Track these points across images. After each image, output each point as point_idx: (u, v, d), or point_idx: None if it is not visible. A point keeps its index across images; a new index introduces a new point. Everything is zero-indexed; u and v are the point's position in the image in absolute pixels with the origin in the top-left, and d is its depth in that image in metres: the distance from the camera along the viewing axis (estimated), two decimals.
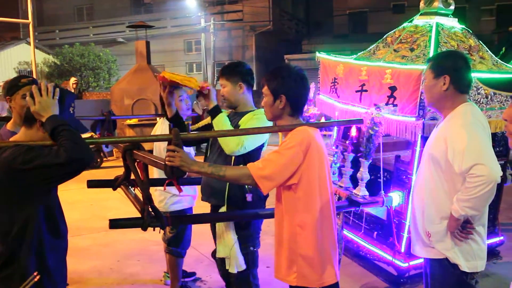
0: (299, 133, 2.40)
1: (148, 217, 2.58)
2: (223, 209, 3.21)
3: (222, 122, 3.08)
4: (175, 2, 26.48)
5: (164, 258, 4.44)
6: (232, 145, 2.99)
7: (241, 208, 3.16)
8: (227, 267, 3.25)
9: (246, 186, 3.10)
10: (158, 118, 4.37)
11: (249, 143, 3.02)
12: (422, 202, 2.80)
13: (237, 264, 3.19)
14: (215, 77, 26.95)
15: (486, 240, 2.76)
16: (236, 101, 3.31)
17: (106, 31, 29.16)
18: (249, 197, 3.13)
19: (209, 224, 3.55)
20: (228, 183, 3.10)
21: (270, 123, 2.89)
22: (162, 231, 4.13)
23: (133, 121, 12.73)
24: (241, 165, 2.91)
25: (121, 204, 7.41)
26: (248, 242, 3.28)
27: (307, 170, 2.38)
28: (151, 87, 13.77)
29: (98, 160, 11.29)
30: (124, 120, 12.79)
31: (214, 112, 3.12)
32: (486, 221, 2.79)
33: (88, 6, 31.78)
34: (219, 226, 3.23)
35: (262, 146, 3.25)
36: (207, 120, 3.49)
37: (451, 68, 2.64)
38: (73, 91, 11.95)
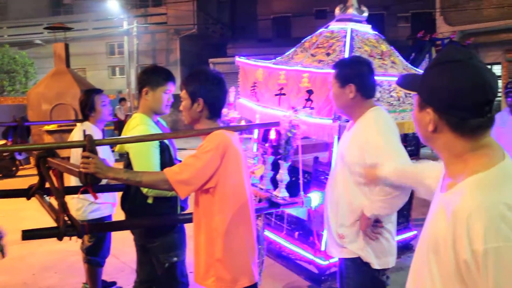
0: (216, 137, 2.41)
1: (64, 226, 2.49)
2: None
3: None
4: (97, 4, 25.69)
5: (82, 268, 4.30)
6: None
7: (144, 214, 3.05)
8: None
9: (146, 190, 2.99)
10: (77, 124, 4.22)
11: None
12: (335, 205, 2.87)
13: None
14: None
15: (395, 237, 2.87)
16: (147, 107, 3.15)
17: (22, 32, 27.78)
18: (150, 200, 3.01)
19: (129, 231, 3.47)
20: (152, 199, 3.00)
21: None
22: (80, 241, 4.00)
23: (52, 127, 12.26)
24: (158, 170, 2.87)
25: (37, 214, 7.05)
26: (173, 251, 3.15)
27: (224, 173, 2.39)
28: (71, 92, 13.32)
29: (14, 168, 10.78)
30: (42, 126, 12.29)
31: None
32: (396, 219, 2.90)
33: (1, 5, 30.12)
34: None
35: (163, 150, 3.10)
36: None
37: (355, 76, 2.70)
38: None
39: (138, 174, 2.35)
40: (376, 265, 2.76)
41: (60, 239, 2.50)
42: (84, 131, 2.37)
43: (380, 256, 2.77)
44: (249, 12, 29.86)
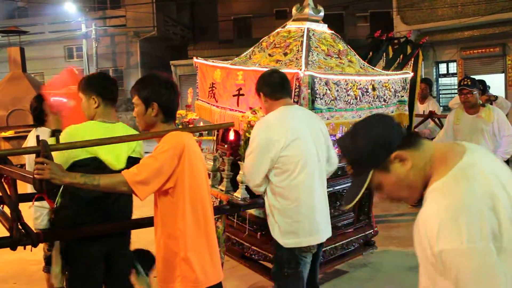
0: (172, 137, 2.42)
1: (18, 235, 2.43)
2: None
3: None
4: (53, 6, 25.06)
5: (43, 278, 4.18)
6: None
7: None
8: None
9: None
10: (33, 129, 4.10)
11: None
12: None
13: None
14: None
15: (306, 221, 3.16)
16: (89, 115, 3.06)
17: None
18: None
19: None
20: (58, 200, 2.91)
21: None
22: (44, 250, 3.89)
23: (9, 133, 11.91)
24: (116, 173, 2.82)
25: None
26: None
27: (182, 174, 2.39)
28: (28, 97, 12.84)
29: None
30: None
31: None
32: (304, 206, 3.16)
33: None
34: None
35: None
36: None
37: (261, 85, 3.22)
38: None
39: (96, 178, 2.30)
40: (283, 244, 3.13)
41: (13, 248, 2.45)
42: (37, 136, 2.30)
43: (287, 236, 3.13)
44: (210, 14, 29.75)
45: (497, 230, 1.35)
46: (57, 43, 26.74)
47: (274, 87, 3.21)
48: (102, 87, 3.08)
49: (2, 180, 2.73)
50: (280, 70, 3.35)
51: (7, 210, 2.88)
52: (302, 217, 3.14)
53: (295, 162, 3.08)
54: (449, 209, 1.38)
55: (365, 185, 1.58)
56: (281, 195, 3.09)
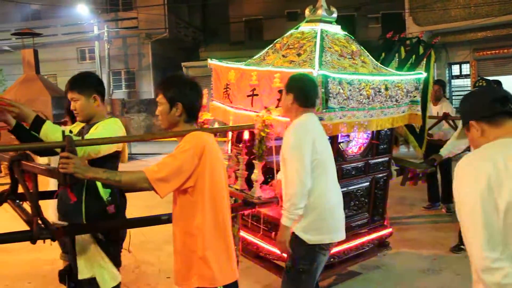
0: (193, 137, 2.45)
1: (38, 229, 2.48)
2: None
3: (54, 131, 2.83)
4: (66, 9, 25.28)
5: (57, 277, 4.21)
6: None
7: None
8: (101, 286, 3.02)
9: (105, 198, 2.97)
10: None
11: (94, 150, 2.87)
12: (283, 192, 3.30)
13: (113, 278, 3.04)
14: (111, 86, 26.17)
15: (331, 222, 3.26)
16: (90, 114, 3.11)
17: None
18: (111, 209, 3.00)
19: None
20: (84, 198, 2.94)
21: (118, 131, 2.98)
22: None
23: None
24: (137, 170, 2.86)
25: (10, 222, 6.90)
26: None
27: (202, 173, 2.43)
28: (41, 98, 13.16)
29: None
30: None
31: (37, 123, 2.79)
32: (330, 204, 3.27)
33: None
34: (79, 244, 2.98)
35: (116, 154, 3.12)
36: (66, 130, 3.35)
37: (294, 87, 3.25)
38: None
39: (118, 174, 2.35)
40: (306, 240, 3.17)
41: (33, 242, 2.50)
42: (63, 132, 2.35)
43: (312, 233, 3.18)
44: (221, 15, 29.85)
45: None
46: (70, 45, 27.01)
47: (310, 97, 3.28)
48: (100, 85, 3.17)
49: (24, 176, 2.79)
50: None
51: (26, 206, 2.95)
52: (326, 215, 3.22)
53: (324, 163, 3.21)
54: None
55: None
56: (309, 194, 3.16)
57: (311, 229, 3.19)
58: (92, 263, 2.98)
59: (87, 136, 2.89)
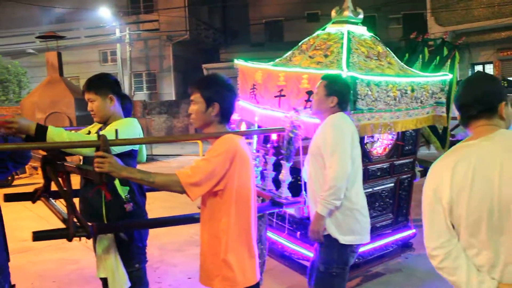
0: (226, 141, 2.46)
1: (73, 227, 2.53)
2: None
3: (59, 134, 2.76)
4: (89, 12, 25.65)
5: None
6: (87, 152, 2.82)
7: (123, 219, 3.05)
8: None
9: (124, 196, 3.03)
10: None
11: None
12: (312, 190, 3.35)
13: (120, 283, 3.05)
14: (133, 88, 26.43)
15: (364, 222, 3.31)
16: (107, 115, 3.15)
17: (14, 42, 27.70)
18: (129, 207, 3.04)
19: None
20: (103, 197, 3.00)
21: (136, 131, 3.03)
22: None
23: None
24: (170, 173, 2.91)
25: (33, 223, 7.10)
26: (132, 258, 3.16)
27: (233, 176, 2.43)
28: (65, 100, 13.34)
29: (9, 178, 10.74)
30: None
31: (40, 131, 2.69)
32: (362, 206, 3.32)
33: None
34: (99, 243, 3.05)
35: (131, 152, 3.16)
36: (85, 130, 3.39)
37: (339, 92, 3.31)
38: None
39: (151, 175, 2.35)
40: (341, 240, 3.20)
41: (69, 240, 2.54)
42: (98, 131, 2.38)
43: (346, 233, 3.22)
44: (241, 17, 29.95)
45: None
46: (92, 47, 27.38)
47: (349, 100, 3.42)
48: (116, 86, 3.21)
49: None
50: None
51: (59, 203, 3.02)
52: (359, 215, 3.27)
53: (357, 163, 3.28)
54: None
55: None
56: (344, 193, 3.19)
57: (345, 229, 3.21)
58: (107, 264, 3.04)
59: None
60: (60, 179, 2.81)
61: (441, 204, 1.92)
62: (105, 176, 2.26)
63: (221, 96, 2.52)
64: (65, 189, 2.74)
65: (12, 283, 2.85)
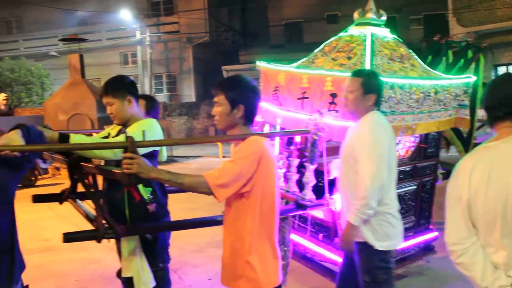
0: (252, 143, 2.46)
1: (103, 229, 2.56)
2: None
3: (81, 139, 2.85)
4: (110, 15, 25.97)
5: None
6: (108, 155, 2.86)
7: (146, 220, 3.08)
8: (135, 287, 3.11)
9: (146, 197, 3.06)
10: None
11: None
12: (345, 196, 3.28)
13: (145, 283, 3.09)
14: (153, 89, 26.65)
15: (398, 225, 3.25)
16: (126, 117, 3.19)
17: (37, 44, 28.16)
18: (152, 208, 3.07)
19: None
20: (126, 198, 3.05)
21: (157, 132, 3.06)
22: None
23: None
24: (199, 174, 2.93)
25: (56, 223, 7.21)
26: (156, 258, 3.20)
27: (259, 178, 2.44)
28: (86, 102, 13.51)
29: (33, 178, 10.92)
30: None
31: (63, 140, 2.72)
32: (396, 209, 3.26)
33: (16, 18, 30.54)
34: (124, 242, 3.08)
35: (153, 153, 3.19)
36: (102, 134, 3.45)
37: (377, 89, 3.22)
38: (2, 107, 11.50)
39: (180, 176, 2.36)
40: (378, 247, 3.13)
41: (99, 241, 2.58)
42: (125, 132, 2.40)
43: (382, 239, 3.14)
44: (261, 19, 29.97)
45: None
46: (113, 49, 27.71)
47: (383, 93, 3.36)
48: (133, 87, 3.24)
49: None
50: None
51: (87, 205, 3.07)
52: (394, 219, 3.21)
53: (393, 166, 3.22)
54: None
55: None
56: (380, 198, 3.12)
57: (381, 234, 3.13)
58: (132, 263, 3.08)
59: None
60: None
61: (460, 203, 1.99)
62: (134, 177, 2.28)
63: (246, 97, 2.52)
64: (92, 190, 2.79)
65: (33, 282, 2.89)
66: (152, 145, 2.67)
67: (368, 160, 3.03)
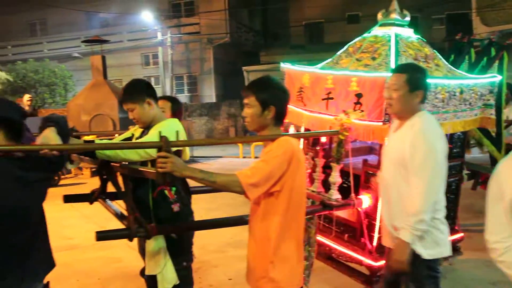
0: (284, 143, 2.49)
1: (135, 227, 2.61)
2: None
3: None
4: (131, 16, 26.25)
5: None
6: (134, 157, 2.91)
7: (170, 219, 3.11)
8: (159, 285, 3.15)
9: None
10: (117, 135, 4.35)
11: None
12: (389, 200, 3.10)
13: (169, 281, 3.13)
14: (174, 90, 26.83)
15: (446, 231, 3.04)
16: (149, 119, 3.24)
17: (60, 46, 28.63)
18: (176, 207, 3.09)
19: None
20: (150, 197, 3.10)
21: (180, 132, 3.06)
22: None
23: (91, 137, 12.55)
24: (231, 173, 2.96)
25: (80, 221, 7.35)
26: (181, 257, 3.23)
27: (289, 178, 2.46)
28: (108, 102, 13.65)
29: (56, 178, 11.07)
30: (82, 136, 12.59)
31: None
32: (443, 214, 3.02)
33: (41, 21, 31.08)
34: (150, 241, 3.10)
35: (178, 152, 3.20)
36: (126, 134, 3.50)
37: (423, 84, 3.01)
38: (27, 108, 11.70)
39: (213, 175, 2.38)
40: (426, 255, 2.91)
41: (131, 239, 2.63)
42: (159, 132, 2.45)
43: (430, 246, 2.92)
44: (281, 19, 29.98)
45: None
46: (135, 50, 27.98)
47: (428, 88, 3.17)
48: (150, 89, 3.27)
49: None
50: None
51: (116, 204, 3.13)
52: (442, 224, 3.00)
53: (445, 170, 2.99)
54: None
55: None
56: None
57: (430, 242, 2.92)
58: (157, 262, 3.12)
59: (147, 137, 3.06)
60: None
61: (503, 201, 2.00)
62: (168, 176, 2.30)
63: (277, 98, 2.53)
64: (123, 190, 2.84)
65: (55, 280, 2.94)
66: (186, 144, 2.72)
67: (421, 173, 2.82)
